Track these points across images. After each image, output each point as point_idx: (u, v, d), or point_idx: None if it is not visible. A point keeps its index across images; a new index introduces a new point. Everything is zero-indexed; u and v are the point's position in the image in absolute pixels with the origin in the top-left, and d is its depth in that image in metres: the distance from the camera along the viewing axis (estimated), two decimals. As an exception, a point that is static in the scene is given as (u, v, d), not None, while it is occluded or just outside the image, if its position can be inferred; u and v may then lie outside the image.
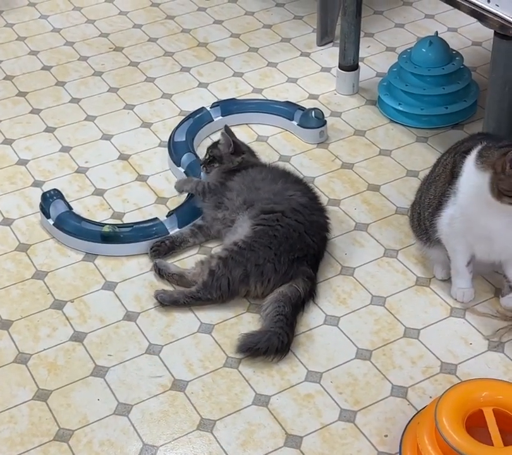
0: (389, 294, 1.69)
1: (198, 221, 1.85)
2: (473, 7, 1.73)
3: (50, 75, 2.42)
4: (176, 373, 1.55)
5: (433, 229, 1.62)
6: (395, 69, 2.22)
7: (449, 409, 1.29)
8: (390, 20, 2.59)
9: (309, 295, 1.66)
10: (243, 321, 1.64)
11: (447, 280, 1.69)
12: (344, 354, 1.56)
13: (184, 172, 2.01)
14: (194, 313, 1.66)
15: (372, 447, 1.41)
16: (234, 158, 1.87)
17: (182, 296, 1.66)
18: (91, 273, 1.78)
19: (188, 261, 1.79)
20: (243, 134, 2.17)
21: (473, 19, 2.47)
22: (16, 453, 1.42)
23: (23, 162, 2.10)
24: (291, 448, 1.41)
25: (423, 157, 2.05)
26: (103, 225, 1.86)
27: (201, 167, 1.93)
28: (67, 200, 1.92)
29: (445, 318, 1.62)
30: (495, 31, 1.71)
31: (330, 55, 2.45)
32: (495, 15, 1.68)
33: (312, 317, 1.65)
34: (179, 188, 1.93)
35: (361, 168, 2.03)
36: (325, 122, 2.12)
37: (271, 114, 2.20)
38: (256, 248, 1.66)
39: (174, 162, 2.04)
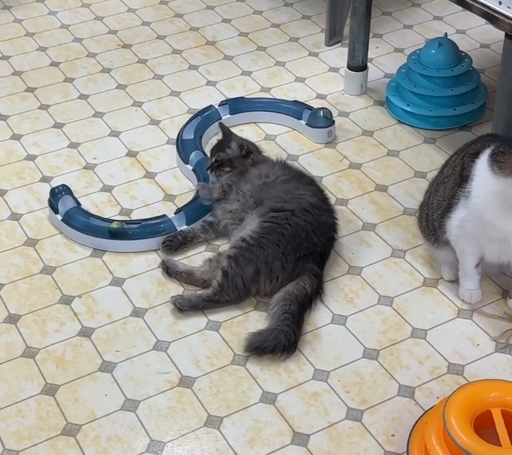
0: (397, 294, 1.69)
1: (208, 217, 1.85)
2: (484, 9, 1.73)
3: (59, 71, 2.42)
4: (184, 370, 1.55)
5: (442, 230, 1.62)
6: (403, 70, 2.22)
7: (458, 410, 1.29)
8: (398, 21, 2.59)
9: (316, 292, 1.66)
10: (251, 319, 1.64)
11: (455, 281, 1.69)
12: (351, 353, 1.57)
13: (192, 169, 2.01)
14: (202, 311, 1.67)
15: (379, 446, 1.41)
16: (245, 160, 1.85)
17: (201, 301, 1.65)
18: (99, 269, 1.78)
19: (195, 258, 1.79)
20: (251, 132, 2.17)
21: (482, 21, 2.51)
22: (23, 447, 1.43)
23: (31, 158, 2.10)
24: (298, 446, 1.41)
25: (431, 158, 2.05)
26: (111, 221, 1.86)
27: (209, 171, 1.88)
28: (76, 195, 1.92)
29: (452, 319, 1.63)
30: (506, 33, 1.71)
31: (339, 55, 2.45)
32: (507, 17, 1.68)
33: (319, 316, 1.65)
34: (208, 196, 1.85)
35: (369, 168, 2.03)
36: (333, 122, 2.12)
37: (279, 113, 2.20)
38: (265, 245, 1.67)
39: (182, 160, 2.04)
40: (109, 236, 1.82)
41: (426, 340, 1.59)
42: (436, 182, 1.70)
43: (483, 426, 1.31)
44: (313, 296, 1.65)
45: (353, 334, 1.60)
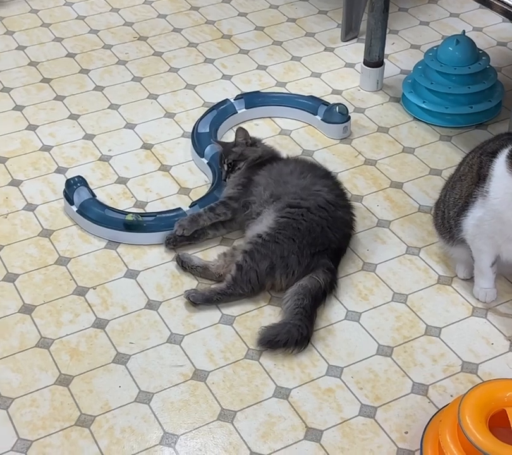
0: (411, 292, 1.68)
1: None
2: (505, 8, 1.71)
3: (75, 62, 2.41)
4: (197, 363, 1.54)
5: (458, 229, 1.61)
6: (420, 67, 2.21)
7: (473, 408, 1.28)
8: (415, 18, 2.57)
9: (330, 287, 1.65)
10: (264, 313, 1.64)
11: (470, 279, 1.68)
12: (365, 349, 1.56)
13: (207, 163, 2.00)
14: (215, 304, 1.67)
15: (392, 443, 1.40)
16: (255, 148, 1.86)
17: (214, 294, 1.64)
18: (113, 260, 1.77)
19: (209, 252, 1.78)
20: (266, 127, 2.16)
21: (499, 19, 2.49)
22: (37, 436, 1.42)
23: (46, 148, 2.09)
24: (311, 441, 1.41)
25: (447, 155, 2.04)
26: (126, 213, 1.85)
27: (225, 179, 1.86)
28: (91, 187, 1.92)
29: (466, 318, 1.62)
30: (526, 32, 1.70)
31: (355, 50, 2.43)
32: (528, 16, 1.67)
33: (333, 312, 1.64)
34: (187, 231, 1.75)
35: (384, 165, 2.02)
36: (349, 118, 2.11)
37: (295, 108, 2.18)
38: (281, 240, 1.66)
39: (197, 153, 2.03)
40: (124, 228, 1.82)
41: (440, 338, 1.58)
42: (453, 180, 1.69)
43: (498, 425, 1.30)
44: (327, 290, 1.64)
45: (366, 331, 1.60)
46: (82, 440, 1.42)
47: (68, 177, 1.95)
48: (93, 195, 1.89)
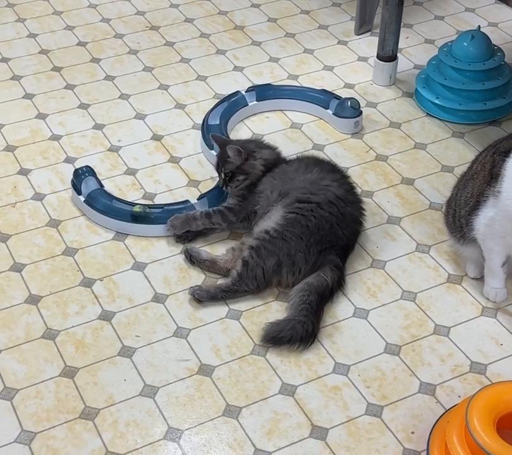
0: (420, 290, 1.65)
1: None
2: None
3: (86, 51, 2.38)
4: (203, 358, 1.52)
5: (469, 228, 1.58)
6: (434, 62, 2.17)
7: (481, 410, 1.26)
8: (430, 12, 2.53)
9: (337, 284, 1.62)
10: (272, 309, 1.61)
11: (480, 278, 1.65)
12: (373, 347, 1.53)
13: (216, 155, 1.97)
14: (221, 301, 1.63)
15: (398, 443, 1.38)
16: (254, 162, 1.75)
17: (219, 291, 1.61)
18: (121, 252, 1.75)
19: (218, 245, 1.75)
20: (277, 120, 2.12)
21: (516, 15, 2.45)
22: (41, 428, 1.41)
23: (56, 138, 2.07)
24: (316, 439, 1.39)
25: (459, 152, 2.00)
26: (134, 204, 1.83)
27: (224, 188, 1.77)
28: (99, 177, 1.89)
29: (476, 317, 1.59)
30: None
31: (368, 44, 2.39)
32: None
33: (341, 309, 1.61)
34: (178, 231, 1.72)
35: (396, 161, 1.99)
36: (360, 113, 2.07)
37: (306, 101, 2.15)
38: (288, 237, 1.62)
39: (207, 145, 1.99)
40: (131, 220, 1.80)
41: (449, 338, 1.55)
42: (465, 178, 1.66)
43: (505, 427, 1.28)
44: (334, 287, 1.61)
45: (374, 328, 1.57)
46: (86, 433, 1.40)
47: (77, 167, 1.93)
48: (101, 185, 1.86)
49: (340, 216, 1.66)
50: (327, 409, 1.43)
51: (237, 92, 2.15)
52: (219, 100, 2.12)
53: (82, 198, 1.84)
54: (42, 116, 2.14)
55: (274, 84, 2.21)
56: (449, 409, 1.39)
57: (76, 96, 2.21)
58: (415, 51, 2.37)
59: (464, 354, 1.52)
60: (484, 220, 1.54)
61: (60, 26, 2.48)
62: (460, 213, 1.62)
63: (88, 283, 1.68)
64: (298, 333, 1.52)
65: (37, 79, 2.27)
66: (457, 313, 1.60)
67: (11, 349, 1.54)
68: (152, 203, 1.87)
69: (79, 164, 1.96)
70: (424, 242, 1.76)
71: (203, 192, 1.87)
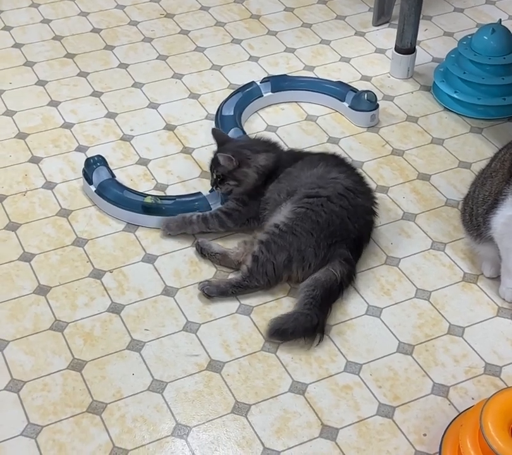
0: (434, 289, 1.60)
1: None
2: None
3: (100, 38, 2.33)
4: (213, 353, 1.48)
5: (487, 226, 1.53)
6: (453, 56, 2.10)
7: (496, 414, 1.21)
8: (449, 4, 2.46)
9: (347, 278, 1.57)
10: (283, 305, 1.57)
11: (496, 278, 1.60)
12: (385, 346, 1.49)
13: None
14: (230, 297, 1.59)
15: (410, 445, 1.34)
16: (247, 170, 1.66)
17: (229, 287, 1.57)
18: (131, 244, 1.71)
19: (229, 239, 1.70)
20: (292, 111, 2.07)
21: (537, 9, 2.38)
22: (48, 422, 1.38)
23: (68, 126, 2.02)
24: (326, 439, 1.35)
25: (477, 148, 1.95)
26: (145, 195, 1.79)
27: (214, 188, 1.71)
28: (111, 167, 1.84)
29: (491, 318, 1.54)
30: None
31: (386, 36, 2.33)
32: None
33: (354, 306, 1.57)
34: (175, 232, 1.67)
35: (412, 156, 1.93)
36: (377, 106, 2.02)
37: (322, 93, 2.09)
38: (298, 232, 1.58)
39: (220, 136, 1.96)
40: (142, 211, 1.76)
41: (463, 338, 1.51)
42: (483, 175, 1.61)
43: (520, 433, 1.25)
44: (343, 281, 1.57)
45: (387, 327, 1.53)
46: (93, 428, 1.37)
47: (88, 156, 1.89)
48: (113, 175, 1.82)
49: (351, 208, 1.61)
50: (338, 409, 1.40)
51: (252, 83, 2.09)
52: (233, 91, 2.07)
53: (93, 188, 1.80)
54: (54, 103, 2.09)
55: (290, 75, 2.16)
56: (462, 412, 1.35)
57: (89, 83, 2.16)
58: (434, 44, 2.31)
59: (479, 355, 1.48)
60: (502, 219, 1.49)
61: (74, 12, 2.43)
62: (477, 212, 1.57)
63: (97, 274, 1.64)
64: (301, 325, 1.47)
65: (50, 66, 2.22)
66: (472, 313, 1.56)
67: (19, 341, 1.50)
68: (164, 195, 1.83)
69: (91, 153, 1.92)
70: (439, 239, 1.72)
71: (215, 184, 1.84)
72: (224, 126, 1.97)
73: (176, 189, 1.84)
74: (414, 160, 1.92)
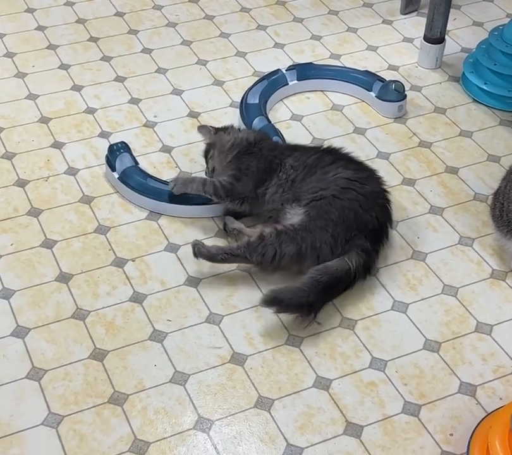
0: (462, 285, 1.55)
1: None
2: None
3: (123, 22, 2.27)
4: (236, 346, 1.44)
5: (518, 223, 1.49)
6: (484, 46, 2.03)
7: (527, 417, 1.19)
8: (479, -7, 2.40)
9: (364, 269, 1.51)
10: (307, 298, 1.54)
11: (525, 276, 1.57)
12: (411, 343, 1.45)
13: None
14: (257, 285, 1.55)
15: (436, 444, 1.30)
16: (224, 134, 1.68)
17: (220, 252, 1.52)
18: (154, 233, 1.67)
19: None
20: (317, 101, 2.01)
21: None
22: (69, 412, 1.34)
23: (91, 111, 1.98)
24: (351, 437, 1.31)
25: (506, 141, 1.88)
26: (169, 183, 1.74)
27: (207, 173, 1.72)
28: (134, 154, 1.80)
29: (520, 316, 1.51)
30: None
31: (414, 24, 2.26)
32: None
33: (379, 301, 1.53)
34: (177, 190, 1.64)
35: (440, 148, 1.87)
36: (405, 96, 1.95)
37: (349, 82, 2.03)
38: (312, 229, 1.52)
39: (245, 125, 1.89)
40: (168, 200, 1.71)
41: (491, 337, 1.46)
42: (515, 170, 1.56)
43: (551, 436, 1.21)
44: (357, 273, 1.50)
45: (413, 323, 1.48)
46: (114, 419, 1.33)
47: (112, 142, 1.85)
48: (136, 162, 1.77)
49: (362, 198, 1.54)
50: (363, 406, 1.36)
51: (277, 70, 2.03)
52: (258, 78, 2.01)
53: (116, 175, 1.75)
54: (77, 88, 2.04)
55: (316, 63, 2.10)
56: (491, 413, 1.31)
57: (113, 68, 2.11)
58: (463, 33, 2.23)
59: (507, 354, 1.43)
60: (534, 215, 1.44)
61: (98, -5, 2.38)
62: (508, 208, 1.51)
63: (119, 263, 1.60)
64: (296, 299, 1.43)
65: (73, 50, 2.17)
66: (500, 311, 1.51)
67: (40, 328, 1.47)
68: (187, 183, 1.79)
69: (113, 139, 1.87)
70: (467, 234, 1.66)
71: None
72: (249, 114, 1.91)
73: (199, 178, 1.80)
74: (442, 152, 1.86)
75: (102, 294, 1.54)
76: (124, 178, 1.75)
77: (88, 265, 1.59)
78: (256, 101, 1.95)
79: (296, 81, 2.03)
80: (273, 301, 1.44)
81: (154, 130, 1.93)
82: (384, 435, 1.31)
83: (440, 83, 2.07)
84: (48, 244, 1.64)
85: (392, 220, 1.62)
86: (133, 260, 1.61)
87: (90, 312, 1.50)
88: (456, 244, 1.64)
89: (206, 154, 1.73)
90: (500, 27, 2.01)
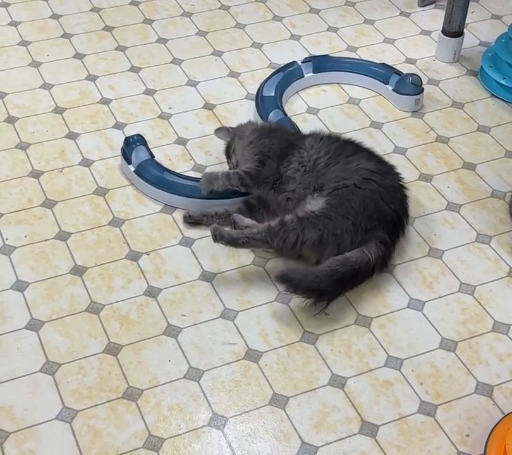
0: (479, 283, 1.52)
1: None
2: None
3: (138, 11, 2.22)
4: (251, 343, 1.41)
5: (538, 221, 1.45)
6: (503, 40, 1.98)
7: (547, 421, 1.16)
8: (498, -15, 2.33)
9: (382, 260, 1.48)
10: (323, 294, 1.51)
11: (543, 275, 1.53)
12: (428, 342, 1.41)
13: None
14: (272, 281, 1.51)
15: (452, 445, 1.27)
16: (243, 125, 1.69)
17: (241, 236, 1.49)
18: (169, 226, 1.64)
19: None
20: (333, 93, 1.97)
21: None
22: (83, 407, 1.32)
23: (105, 101, 1.94)
24: (366, 436, 1.28)
25: (525, 138, 1.86)
26: (185, 177, 1.71)
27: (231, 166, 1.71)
28: (148, 146, 1.76)
29: (538, 317, 1.48)
30: None
31: (432, 17, 2.20)
32: None
33: (395, 298, 1.49)
34: (206, 188, 1.61)
35: (457, 143, 1.83)
36: (422, 90, 1.91)
37: (365, 75, 1.98)
38: (333, 217, 1.49)
39: (260, 117, 1.85)
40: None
41: (509, 336, 1.43)
42: (535, 167, 1.52)
43: None
44: (377, 264, 1.47)
45: (430, 322, 1.45)
46: (128, 414, 1.31)
47: (127, 134, 1.80)
48: (152, 155, 1.74)
49: (382, 190, 1.52)
50: (378, 405, 1.33)
51: (293, 62, 1.99)
52: (274, 70, 1.97)
53: (132, 168, 1.72)
54: (91, 78, 2.00)
55: (332, 55, 2.05)
56: (508, 414, 1.28)
57: (127, 58, 2.07)
58: (481, 27, 2.18)
59: (525, 355, 1.41)
60: (555, 214, 1.41)
61: (113, -17, 2.33)
62: (528, 205, 1.49)
63: (134, 256, 1.57)
64: (306, 281, 1.40)
65: (88, 38, 2.12)
66: (518, 311, 1.49)
67: (55, 322, 1.44)
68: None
69: (128, 130, 1.84)
70: (485, 232, 1.63)
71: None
72: (265, 107, 1.87)
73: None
74: (459, 148, 1.82)
75: (117, 288, 1.51)
76: (140, 171, 1.71)
77: (102, 258, 1.56)
78: (272, 94, 1.90)
79: (311, 74, 1.99)
80: (283, 278, 1.42)
81: (169, 122, 1.89)
82: (399, 435, 1.28)
83: (458, 77, 2.01)
84: (63, 236, 1.61)
85: (408, 216, 1.59)
86: (147, 254, 1.57)
87: (104, 306, 1.48)
88: (473, 242, 1.60)
89: (227, 151, 1.70)
90: (520, 21, 1.96)
